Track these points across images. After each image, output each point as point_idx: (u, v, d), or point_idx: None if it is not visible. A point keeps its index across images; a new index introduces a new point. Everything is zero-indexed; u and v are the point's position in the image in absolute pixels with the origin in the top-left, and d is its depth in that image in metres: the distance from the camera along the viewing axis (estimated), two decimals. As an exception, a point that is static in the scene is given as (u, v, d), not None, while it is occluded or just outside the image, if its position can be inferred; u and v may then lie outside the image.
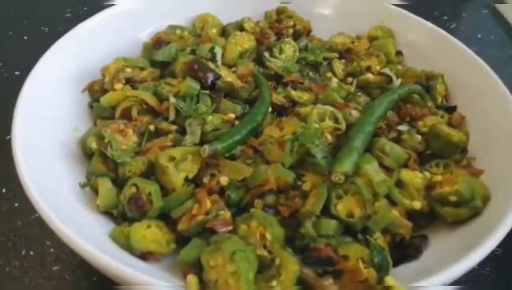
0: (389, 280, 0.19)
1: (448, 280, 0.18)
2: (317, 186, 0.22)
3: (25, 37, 0.41)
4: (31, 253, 0.26)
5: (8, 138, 0.24)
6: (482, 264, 0.26)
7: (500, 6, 0.50)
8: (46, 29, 0.42)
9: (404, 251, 0.22)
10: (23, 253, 0.26)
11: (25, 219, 0.27)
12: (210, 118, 0.26)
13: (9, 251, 0.26)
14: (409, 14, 0.34)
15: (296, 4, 0.37)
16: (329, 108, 0.26)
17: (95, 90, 0.29)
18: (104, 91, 0.29)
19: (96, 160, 0.25)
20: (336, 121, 0.26)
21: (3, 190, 0.29)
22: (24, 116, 0.24)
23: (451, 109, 0.30)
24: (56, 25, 0.41)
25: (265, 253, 0.20)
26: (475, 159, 0.26)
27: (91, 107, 0.29)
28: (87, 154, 0.26)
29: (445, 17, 0.49)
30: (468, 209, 0.22)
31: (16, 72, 0.37)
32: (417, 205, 0.23)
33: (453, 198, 0.23)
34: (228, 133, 0.25)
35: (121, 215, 0.23)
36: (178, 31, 0.34)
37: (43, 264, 0.25)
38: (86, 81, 0.30)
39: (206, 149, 0.23)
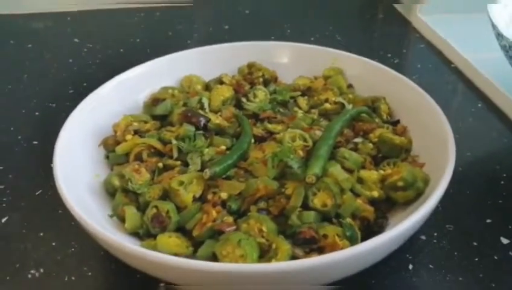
0: (359, 246, 0.26)
1: (395, 234, 0.24)
2: (296, 188, 0.29)
3: (37, 113, 0.48)
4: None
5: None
6: (439, 238, 0.32)
7: (436, 40, 0.60)
8: (54, 105, 0.49)
9: (371, 229, 0.29)
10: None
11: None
12: (206, 150, 0.33)
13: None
14: (352, 54, 0.43)
15: (263, 59, 0.45)
16: (298, 131, 0.33)
17: (109, 144, 0.36)
18: (117, 143, 0.36)
19: (119, 195, 0.31)
20: (305, 140, 0.33)
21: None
22: (60, 165, 0.30)
23: (395, 123, 0.37)
24: (62, 101, 0.49)
25: (264, 240, 0.26)
26: (418, 156, 0.34)
27: (107, 157, 0.36)
28: (110, 193, 0.32)
29: (389, 55, 0.59)
30: (413, 191, 0.29)
31: (34, 142, 0.43)
32: (375, 194, 0.30)
33: (400, 183, 0.29)
34: (222, 159, 0.31)
35: (145, 233, 0.29)
36: (170, 91, 0.41)
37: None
38: (100, 137, 0.37)
39: (207, 172, 0.30)
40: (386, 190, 0.30)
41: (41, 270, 0.30)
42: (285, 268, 0.22)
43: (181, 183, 0.30)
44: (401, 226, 0.24)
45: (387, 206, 0.31)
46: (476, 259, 0.30)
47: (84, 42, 0.62)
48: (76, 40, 0.63)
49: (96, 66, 0.57)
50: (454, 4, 0.64)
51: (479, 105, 0.47)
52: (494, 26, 0.38)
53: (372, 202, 0.30)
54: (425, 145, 0.34)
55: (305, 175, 0.29)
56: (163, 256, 0.24)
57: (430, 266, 0.30)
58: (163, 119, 0.38)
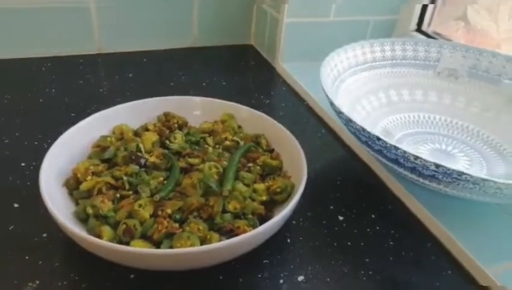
0: (259, 230, 0.43)
1: (279, 219, 0.43)
2: (217, 200, 0.46)
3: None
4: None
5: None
6: (304, 221, 0.52)
7: (293, 83, 0.83)
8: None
9: (264, 220, 0.47)
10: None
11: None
12: (151, 182, 0.47)
13: None
14: (239, 105, 0.61)
15: (175, 109, 0.61)
16: (212, 163, 0.50)
17: (70, 183, 0.48)
18: (78, 183, 0.48)
19: (92, 219, 0.44)
20: (217, 168, 0.50)
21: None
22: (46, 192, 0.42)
23: (271, 151, 0.57)
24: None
25: (202, 235, 0.42)
26: (287, 171, 0.53)
27: (71, 194, 0.48)
28: (81, 219, 0.45)
29: (262, 96, 0.79)
30: (286, 194, 0.48)
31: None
32: (264, 198, 0.48)
33: (278, 190, 0.48)
34: (164, 187, 0.47)
35: (118, 243, 0.43)
36: (108, 138, 0.54)
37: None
38: (61, 179, 0.48)
39: (157, 196, 0.45)
40: (270, 195, 0.49)
41: None
42: (220, 245, 0.39)
43: (140, 205, 0.44)
44: (280, 215, 0.43)
45: (271, 205, 0.49)
46: (325, 231, 0.51)
47: None
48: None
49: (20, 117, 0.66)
50: (304, 55, 0.87)
51: (323, 131, 0.70)
52: (327, 96, 0.58)
53: (262, 203, 0.48)
54: (290, 164, 0.53)
55: (222, 191, 0.46)
56: (141, 249, 0.38)
57: (300, 238, 0.49)
58: (108, 162, 0.51)
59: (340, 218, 0.53)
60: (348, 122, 0.51)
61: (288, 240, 0.49)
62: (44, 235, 0.47)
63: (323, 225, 0.52)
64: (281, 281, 0.44)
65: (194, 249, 0.38)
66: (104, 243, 0.38)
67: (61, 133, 0.51)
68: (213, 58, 0.92)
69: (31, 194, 0.52)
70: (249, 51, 0.97)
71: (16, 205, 0.50)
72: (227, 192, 0.46)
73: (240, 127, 0.60)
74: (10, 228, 0.47)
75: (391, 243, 0.50)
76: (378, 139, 0.48)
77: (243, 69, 0.90)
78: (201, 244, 0.42)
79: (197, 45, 0.95)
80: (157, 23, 0.89)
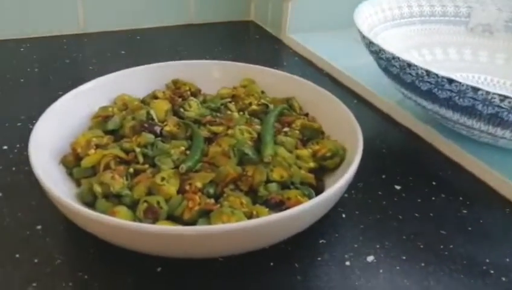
0: (316, 200, 0.34)
1: (342, 185, 0.34)
2: (257, 168, 0.37)
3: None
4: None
5: None
6: (356, 193, 0.43)
7: (306, 53, 0.74)
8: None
9: (315, 190, 0.37)
10: None
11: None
12: (172, 152, 0.38)
13: None
14: (260, 67, 0.52)
15: (183, 76, 0.51)
16: (244, 127, 0.41)
17: (69, 160, 0.38)
18: (78, 159, 0.38)
19: (101, 201, 0.34)
20: (250, 133, 0.41)
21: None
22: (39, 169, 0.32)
23: (305, 115, 0.48)
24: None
25: (247, 209, 0.33)
26: (329, 136, 0.44)
27: (70, 174, 0.38)
28: (87, 202, 0.35)
29: (275, 67, 0.70)
30: (338, 158, 0.39)
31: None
32: (312, 165, 0.39)
33: (328, 154, 0.39)
34: (190, 156, 0.37)
35: (139, 226, 0.33)
36: (110, 109, 0.44)
37: None
38: (56, 157, 0.38)
39: (184, 167, 0.35)
40: (317, 161, 0.40)
41: None
42: (282, 217, 0.29)
43: (163, 179, 0.34)
44: (344, 180, 0.34)
45: (319, 173, 0.40)
46: (384, 202, 0.42)
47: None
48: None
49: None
50: (313, 25, 0.79)
51: (354, 101, 0.61)
52: (363, 37, 0.50)
53: (309, 171, 0.39)
54: (331, 128, 0.45)
55: (262, 157, 0.37)
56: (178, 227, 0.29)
57: (357, 212, 0.41)
58: (113, 134, 0.42)
59: (397, 187, 0.44)
60: (392, 60, 0.43)
61: (343, 215, 0.40)
62: (39, 227, 0.37)
63: (380, 196, 0.43)
64: (347, 263, 0.35)
65: (251, 223, 0.29)
66: (129, 224, 0.28)
67: (44, 111, 0.41)
68: (213, 35, 0.82)
69: (17, 180, 0.42)
70: (250, 26, 0.88)
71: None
72: (270, 158, 0.37)
73: (263, 92, 0.51)
74: (-7, 222, 0.37)
75: (464, 211, 0.42)
76: (428, 73, 0.39)
77: (246, 44, 0.81)
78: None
79: (193, 22, 0.86)
80: (149, -2, 0.80)
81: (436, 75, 0.38)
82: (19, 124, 0.50)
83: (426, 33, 0.64)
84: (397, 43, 0.61)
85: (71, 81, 0.59)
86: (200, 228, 0.28)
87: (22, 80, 0.60)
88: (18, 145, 0.46)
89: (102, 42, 0.75)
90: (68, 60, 0.67)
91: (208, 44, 0.78)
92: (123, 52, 0.71)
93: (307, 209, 0.31)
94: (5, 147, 0.46)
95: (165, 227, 0.29)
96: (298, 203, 0.34)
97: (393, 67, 0.44)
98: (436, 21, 0.65)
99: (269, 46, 0.79)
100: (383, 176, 0.46)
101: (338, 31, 0.79)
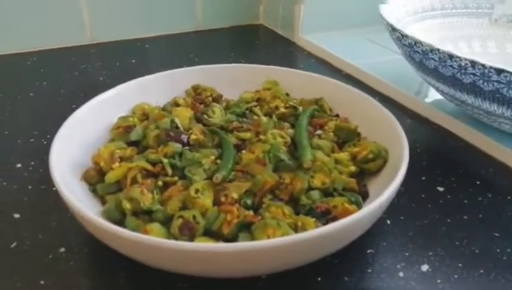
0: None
1: (394, 189, 0.31)
2: (297, 175, 0.34)
3: None
4: None
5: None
6: (398, 197, 0.40)
7: (322, 54, 0.72)
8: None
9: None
10: None
11: None
12: (203, 161, 0.35)
13: None
14: (283, 68, 0.50)
15: (202, 81, 0.49)
16: (276, 131, 0.38)
17: (91, 176, 0.35)
18: (100, 174, 0.35)
19: (131, 218, 0.31)
20: (283, 137, 0.38)
21: None
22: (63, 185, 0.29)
23: (336, 116, 0.45)
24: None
25: (291, 221, 0.30)
26: (366, 138, 0.42)
27: (93, 190, 0.35)
28: (115, 220, 0.32)
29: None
30: (382, 159, 0.37)
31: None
32: (352, 169, 0.36)
33: (370, 156, 0.36)
34: (223, 165, 0.34)
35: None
36: (130, 119, 0.42)
37: None
38: (76, 173, 0.36)
39: (218, 177, 0.32)
40: (358, 164, 0.37)
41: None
42: (334, 228, 0.27)
43: (197, 191, 0.32)
44: (395, 183, 0.31)
45: (358, 177, 0.37)
46: (429, 206, 0.39)
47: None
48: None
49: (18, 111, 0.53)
50: (326, 25, 0.77)
51: (378, 98, 0.58)
52: (394, 29, 0.47)
53: (350, 176, 0.36)
54: (366, 129, 0.42)
55: (302, 162, 0.34)
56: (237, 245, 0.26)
57: (402, 217, 0.38)
58: (135, 145, 0.39)
59: (440, 189, 0.41)
60: (430, 52, 0.40)
61: (388, 222, 0.37)
62: (62, 249, 0.34)
63: (424, 199, 0.40)
64: (401, 274, 0.32)
65: (311, 234, 0.26)
66: (173, 244, 0.25)
67: (62, 125, 0.38)
68: (223, 39, 0.80)
69: (34, 200, 0.39)
70: (260, 30, 0.86)
71: (16, 216, 0.37)
72: (310, 163, 0.34)
73: (287, 94, 0.48)
74: (12, 246, 0.34)
75: (516, 211, 0.39)
76: (474, 64, 0.36)
77: (258, 47, 0.79)
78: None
79: (201, 29, 0.83)
80: (156, 7, 0.77)
81: (483, 65, 0.36)
82: (31, 140, 0.47)
83: (449, 27, 0.62)
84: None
85: (83, 94, 0.57)
86: (251, 245, 0.25)
87: (31, 94, 0.57)
88: (33, 163, 0.43)
89: (111, 52, 0.72)
90: (77, 72, 0.64)
91: (219, 49, 0.76)
92: (133, 61, 0.68)
93: (363, 218, 0.28)
94: (19, 165, 0.43)
95: (215, 245, 0.26)
96: (346, 211, 0.31)
97: (430, 61, 0.41)
98: (459, 14, 0.63)
99: (282, 49, 0.77)
100: (423, 178, 0.43)
101: (349, 30, 0.77)
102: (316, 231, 0.26)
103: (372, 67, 0.62)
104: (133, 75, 0.47)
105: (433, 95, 0.56)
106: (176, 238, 0.30)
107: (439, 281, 0.32)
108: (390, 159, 0.37)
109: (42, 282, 0.31)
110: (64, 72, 0.64)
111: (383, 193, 0.30)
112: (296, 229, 0.30)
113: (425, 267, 0.33)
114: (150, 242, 0.25)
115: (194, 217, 0.30)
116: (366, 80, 0.62)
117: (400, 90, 0.57)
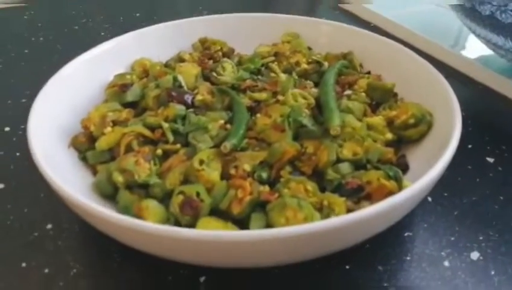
0: (407, 183, 0.26)
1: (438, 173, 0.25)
2: (322, 143, 0.28)
3: None
4: None
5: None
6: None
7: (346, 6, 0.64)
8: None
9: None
10: None
11: None
12: (210, 126, 0.29)
13: None
14: (307, 18, 0.43)
15: (211, 33, 0.42)
16: (297, 91, 0.32)
17: (80, 142, 0.30)
18: (91, 140, 0.30)
19: (124, 193, 0.26)
20: (306, 98, 0.32)
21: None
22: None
23: (367, 73, 0.38)
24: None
25: (315, 199, 0.25)
26: (403, 99, 0.35)
27: (83, 158, 0.30)
28: (106, 194, 0.27)
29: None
30: (426, 124, 0.30)
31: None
32: (389, 136, 0.30)
33: (411, 121, 0.30)
34: (234, 131, 0.29)
35: (175, 225, 0.25)
36: (128, 76, 0.36)
37: None
38: (64, 138, 0.31)
39: (227, 145, 0.27)
40: (395, 131, 0.31)
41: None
42: (376, 210, 0.21)
43: (202, 162, 0.26)
44: (447, 155, 0.25)
45: (395, 145, 0.31)
46: (477, 180, 0.33)
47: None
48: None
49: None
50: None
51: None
52: None
53: (386, 144, 0.30)
54: (403, 88, 0.35)
55: (328, 127, 0.28)
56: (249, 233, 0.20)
57: (445, 194, 0.32)
58: (133, 106, 0.33)
59: (490, 160, 0.35)
60: None
61: (430, 199, 0.31)
62: (49, 226, 0.29)
63: (471, 171, 0.34)
64: (446, 263, 0.27)
65: (338, 221, 0.20)
66: (164, 229, 0.20)
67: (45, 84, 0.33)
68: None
69: (22, 168, 0.34)
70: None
71: (0, 186, 0.33)
72: (338, 129, 0.28)
73: (310, 48, 0.41)
74: (-6, 220, 0.30)
75: None
76: None
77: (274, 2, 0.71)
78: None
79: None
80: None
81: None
82: (23, 100, 0.42)
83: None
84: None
85: (82, 50, 0.51)
86: (268, 233, 0.20)
87: (26, 51, 0.52)
88: (23, 126, 0.38)
89: (114, 5, 0.66)
90: (77, 27, 0.59)
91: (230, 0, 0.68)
92: (138, 14, 0.62)
93: (407, 200, 0.22)
94: (7, 129, 0.39)
95: (223, 233, 0.20)
96: (383, 188, 0.26)
97: (485, 5, 0.34)
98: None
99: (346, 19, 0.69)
100: (469, 146, 0.36)
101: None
102: (348, 217, 0.20)
103: (402, 19, 0.55)
104: (136, 30, 0.41)
105: (473, 49, 0.49)
106: (176, 218, 0.25)
107: (493, 272, 0.26)
108: (435, 125, 0.31)
109: (24, 264, 0.27)
110: (63, 27, 0.58)
111: (431, 168, 0.24)
112: (321, 210, 0.25)
113: (475, 255, 0.27)
114: (140, 228, 0.20)
115: (198, 193, 0.25)
116: (397, 32, 0.55)
117: (437, 43, 0.49)
